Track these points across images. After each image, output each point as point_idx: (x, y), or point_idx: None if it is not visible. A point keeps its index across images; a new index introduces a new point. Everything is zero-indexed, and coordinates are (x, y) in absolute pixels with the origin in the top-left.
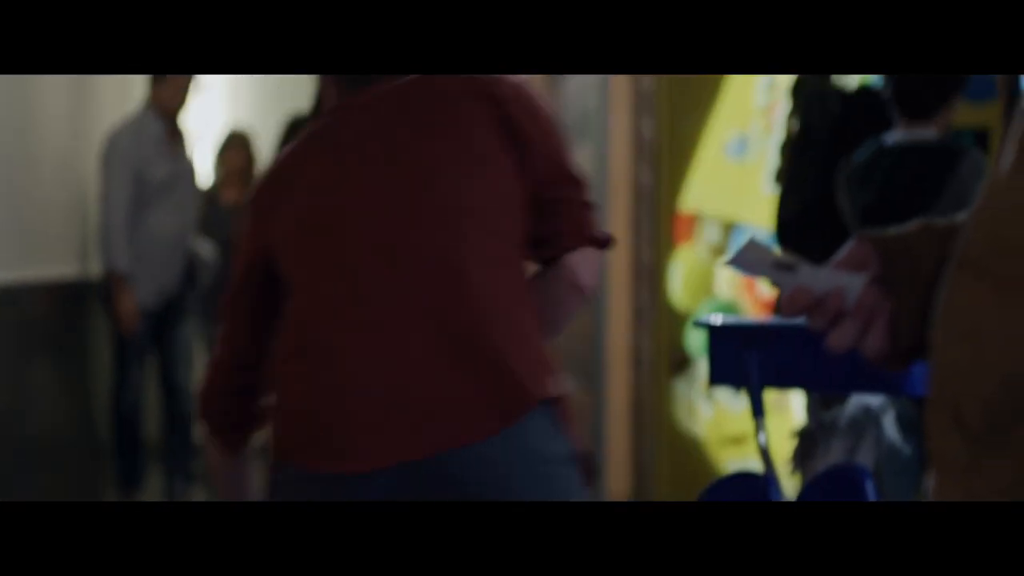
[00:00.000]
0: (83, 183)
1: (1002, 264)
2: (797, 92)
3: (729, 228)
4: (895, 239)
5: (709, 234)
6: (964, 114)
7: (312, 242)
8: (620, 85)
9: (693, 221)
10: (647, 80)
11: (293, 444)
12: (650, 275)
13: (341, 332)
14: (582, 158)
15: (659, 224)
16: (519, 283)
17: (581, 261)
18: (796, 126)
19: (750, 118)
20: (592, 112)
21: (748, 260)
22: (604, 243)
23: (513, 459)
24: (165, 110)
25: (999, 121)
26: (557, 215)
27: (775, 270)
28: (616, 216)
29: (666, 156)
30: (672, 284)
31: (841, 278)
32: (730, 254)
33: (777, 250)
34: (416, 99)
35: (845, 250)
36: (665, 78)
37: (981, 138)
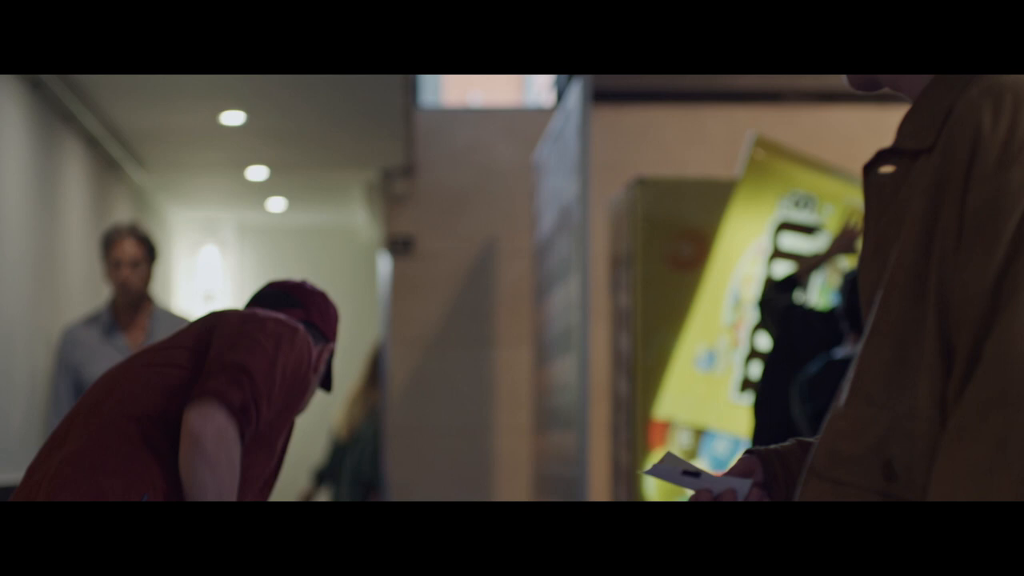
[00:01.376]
0: None
1: (836, 471)
2: (765, 307)
3: (699, 434)
4: (774, 452)
5: (681, 440)
6: None
7: None
8: (600, 303)
9: (666, 428)
10: (624, 299)
11: None
12: (627, 477)
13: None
14: (565, 369)
15: (635, 430)
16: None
17: (197, 412)
18: (772, 339)
19: (718, 334)
20: (574, 327)
21: (663, 469)
22: (226, 399)
23: None
24: (120, 294)
25: None
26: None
27: (683, 476)
28: (596, 422)
29: (641, 368)
30: (647, 486)
31: (732, 482)
32: (651, 467)
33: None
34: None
35: (737, 461)
36: (640, 297)
37: None
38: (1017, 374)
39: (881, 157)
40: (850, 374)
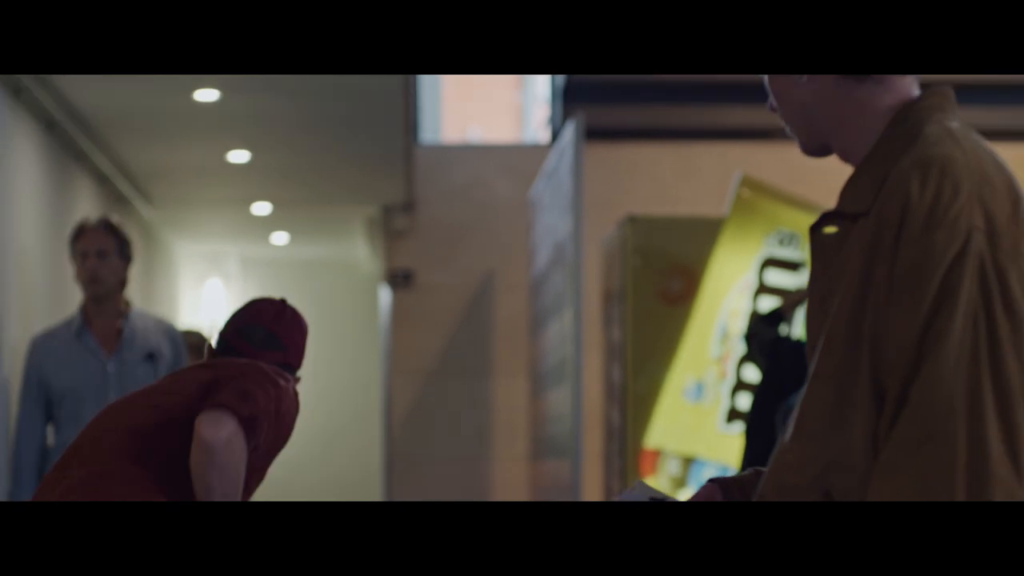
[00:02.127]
0: None
1: (782, 499)
2: (752, 340)
3: (688, 463)
4: (733, 481)
5: (671, 468)
6: None
7: None
8: (593, 336)
9: (656, 456)
10: (617, 332)
11: None
12: None
13: None
14: (560, 399)
15: (627, 458)
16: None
17: (208, 420)
18: (760, 371)
19: (706, 366)
20: (568, 359)
21: (633, 496)
22: (236, 409)
23: None
24: (88, 287)
25: None
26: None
27: (651, 503)
28: (589, 450)
29: (633, 399)
30: None
31: None
32: (622, 493)
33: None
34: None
35: (701, 488)
36: (631, 331)
37: None
38: (939, 415)
39: (826, 218)
40: (795, 412)
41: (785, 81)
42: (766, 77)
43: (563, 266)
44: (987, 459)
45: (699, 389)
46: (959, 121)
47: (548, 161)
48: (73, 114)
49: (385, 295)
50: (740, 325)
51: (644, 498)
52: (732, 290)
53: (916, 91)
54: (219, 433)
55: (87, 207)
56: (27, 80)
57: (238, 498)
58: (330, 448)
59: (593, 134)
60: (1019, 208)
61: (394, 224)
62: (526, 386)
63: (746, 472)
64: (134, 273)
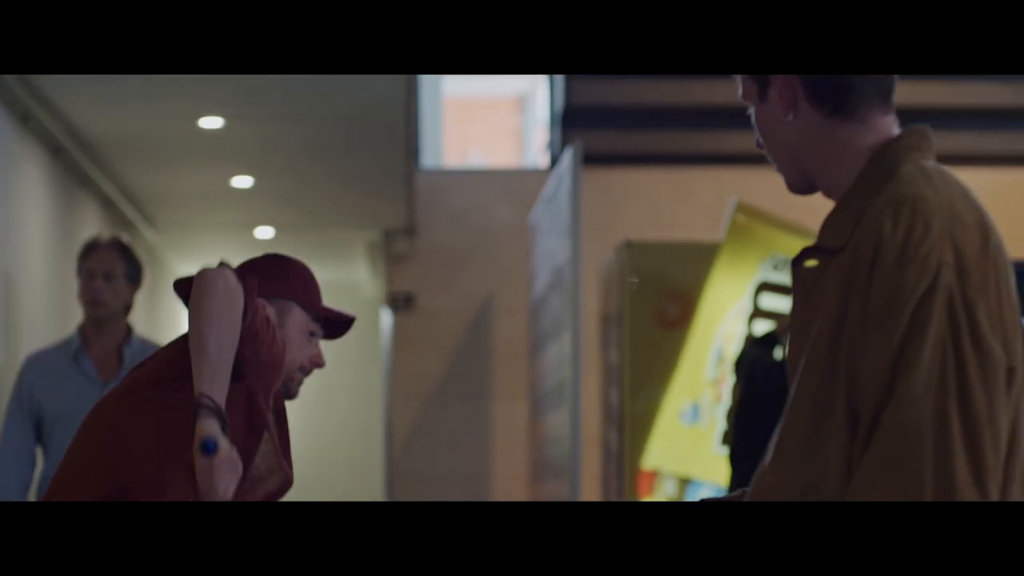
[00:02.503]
0: None
1: None
2: (737, 364)
3: (684, 484)
4: (723, 500)
5: (667, 489)
6: None
7: None
8: (591, 359)
9: (653, 478)
10: (614, 355)
11: None
12: None
13: None
14: (559, 421)
15: (624, 480)
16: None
17: (217, 268)
18: (741, 394)
19: (702, 389)
20: (567, 382)
21: None
22: (238, 274)
23: None
24: (89, 310)
25: None
26: None
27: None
28: (587, 472)
29: (630, 421)
30: None
31: None
32: None
33: None
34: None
35: None
36: (629, 354)
37: None
38: (908, 439)
39: (806, 253)
40: (775, 436)
41: (771, 119)
42: (753, 115)
43: (562, 290)
44: (954, 487)
45: (695, 411)
46: (934, 160)
47: (547, 187)
48: (79, 140)
49: (386, 318)
50: (735, 348)
51: None
52: (728, 314)
53: (896, 131)
54: (219, 278)
55: (93, 231)
56: (34, 107)
57: (233, 345)
58: (331, 469)
59: (591, 159)
60: (989, 244)
61: (395, 248)
62: (525, 408)
63: (733, 493)
64: (137, 296)
